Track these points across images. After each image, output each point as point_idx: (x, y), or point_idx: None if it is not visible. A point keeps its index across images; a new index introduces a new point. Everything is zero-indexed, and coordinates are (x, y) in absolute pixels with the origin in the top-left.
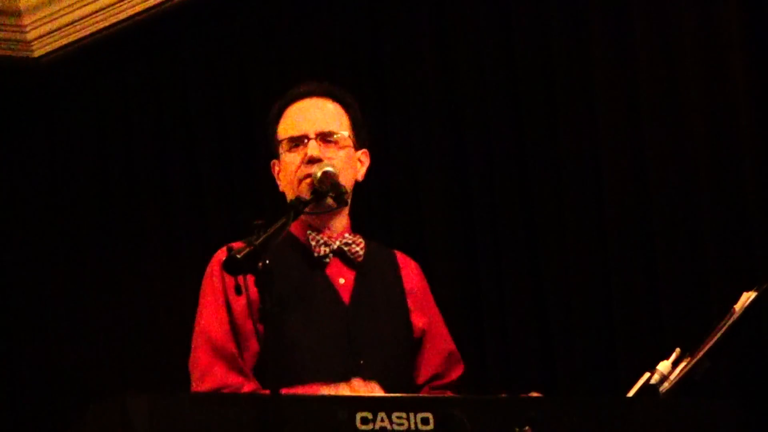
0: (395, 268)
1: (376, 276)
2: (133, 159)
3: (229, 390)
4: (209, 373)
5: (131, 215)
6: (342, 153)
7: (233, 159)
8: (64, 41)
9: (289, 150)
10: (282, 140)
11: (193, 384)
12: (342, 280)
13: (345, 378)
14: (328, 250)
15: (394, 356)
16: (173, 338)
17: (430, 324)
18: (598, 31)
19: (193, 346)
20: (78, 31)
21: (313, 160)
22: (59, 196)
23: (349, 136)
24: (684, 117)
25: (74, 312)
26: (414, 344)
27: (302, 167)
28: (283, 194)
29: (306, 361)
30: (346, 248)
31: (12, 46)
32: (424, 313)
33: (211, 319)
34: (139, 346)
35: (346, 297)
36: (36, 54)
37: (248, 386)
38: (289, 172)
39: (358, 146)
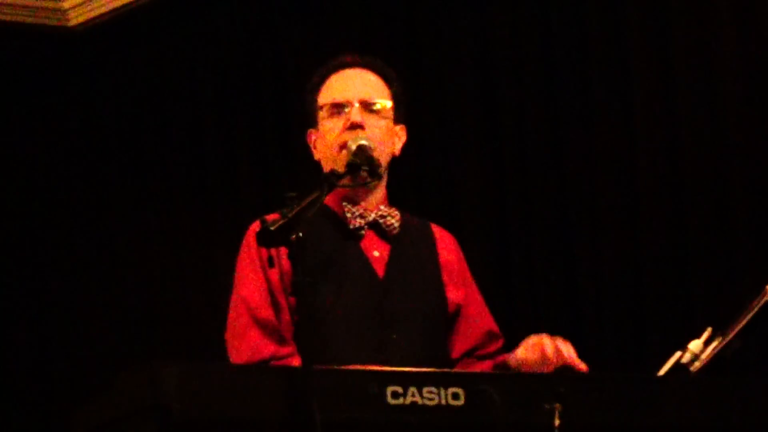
0: (431, 242)
1: (411, 249)
2: (167, 129)
3: (280, 362)
4: (255, 344)
5: (165, 185)
6: (383, 123)
7: (268, 130)
8: (100, 10)
9: (330, 116)
10: (323, 106)
11: (234, 355)
12: (376, 253)
13: (377, 352)
14: (363, 222)
15: (427, 331)
16: (204, 309)
17: (466, 298)
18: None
19: (232, 317)
20: (114, 0)
21: (354, 126)
22: (92, 166)
23: (391, 108)
24: (719, 91)
25: (106, 280)
26: (449, 319)
27: (343, 134)
28: (317, 163)
29: (338, 334)
30: (381, 221)
31: (48, 15)
32: (459, 287)
33: (252, 290)
34: (170, 316)
35: (380, 270)
36: (72, 23)
37: (297, 358)
38: (328, 139)
39: (397, 120)
